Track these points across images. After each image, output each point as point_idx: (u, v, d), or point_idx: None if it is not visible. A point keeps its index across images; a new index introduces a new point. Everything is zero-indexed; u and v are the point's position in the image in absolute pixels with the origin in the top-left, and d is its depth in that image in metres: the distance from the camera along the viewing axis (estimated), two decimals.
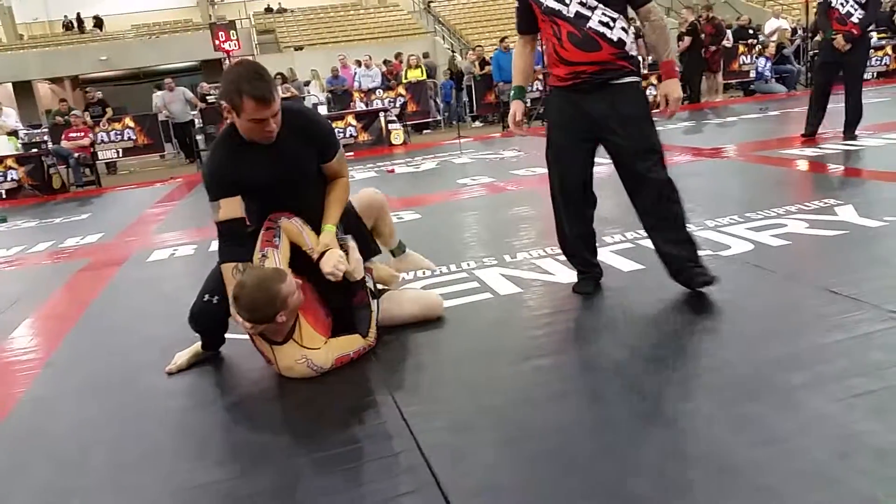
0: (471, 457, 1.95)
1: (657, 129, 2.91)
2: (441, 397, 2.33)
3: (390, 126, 12.13)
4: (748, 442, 1.85)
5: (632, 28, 2.88)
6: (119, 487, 2.02)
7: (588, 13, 2.79)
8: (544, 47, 2.91)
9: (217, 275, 2.66)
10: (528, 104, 3.16)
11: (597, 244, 3.28)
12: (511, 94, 3.18)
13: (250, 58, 19.44)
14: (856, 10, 6.29)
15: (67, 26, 25.16)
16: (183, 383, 2.72)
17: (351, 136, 11.88)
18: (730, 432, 1.91)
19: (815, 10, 8.22)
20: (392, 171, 8.63)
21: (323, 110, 12.51)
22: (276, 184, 2.60)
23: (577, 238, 3.20)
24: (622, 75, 2.83)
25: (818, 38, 12.64)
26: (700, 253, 3.00)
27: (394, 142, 11.94)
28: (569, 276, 3.47)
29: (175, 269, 4.79)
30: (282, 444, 2.17)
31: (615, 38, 2.79)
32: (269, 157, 2.55)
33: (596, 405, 2.17)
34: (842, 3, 6.31)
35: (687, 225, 2.97)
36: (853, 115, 6.68)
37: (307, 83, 14.37)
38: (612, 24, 2.79)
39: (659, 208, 2.93)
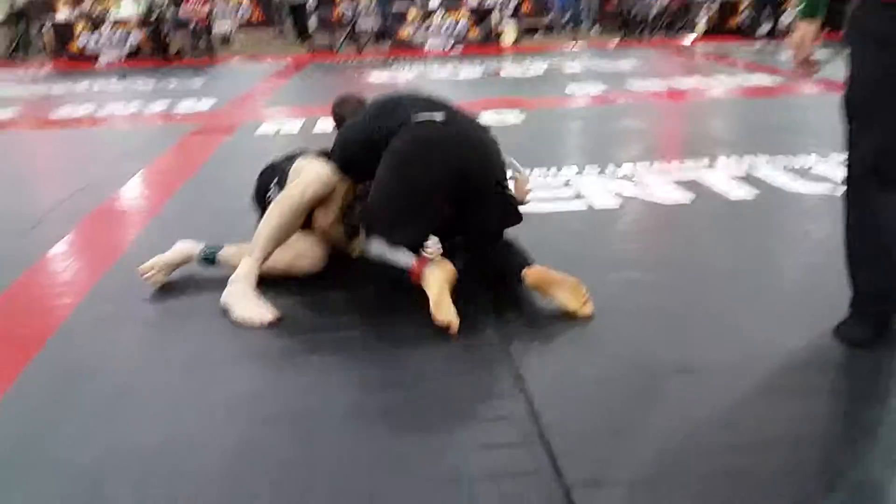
0: (551, 352, 2.00)
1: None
2: (523, 296, 2.33)
3: (502, 25, 11.75)
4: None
5: None
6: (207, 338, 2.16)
7: None
8: None
9: None
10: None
11: None
12: (799, 9, 2.00)
13: None
14: None
15: None
16: None
17: (462, 31, 11.59)
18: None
19: None
20: (499, 72, 8.43)
21: (435, 2, 12.21)
22: None
23: (864, 257, 1.95)
24: None
25: None
26: None
27: (504, 42, 11.59)
28: (672, 195, 3.35)
29: (279, 145, 4.90)
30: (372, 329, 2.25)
31: None
32: None
33: (676, 322, 2.15)
34: None
35: None
36: None
37: None
38: None
39: None
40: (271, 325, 2.16)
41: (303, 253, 2.42)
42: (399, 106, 2.37)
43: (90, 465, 1.54)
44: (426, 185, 2.21)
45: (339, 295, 2.38)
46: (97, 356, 2.02)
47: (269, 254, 2.33)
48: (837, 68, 2.00)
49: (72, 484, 1.49)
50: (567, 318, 2.15)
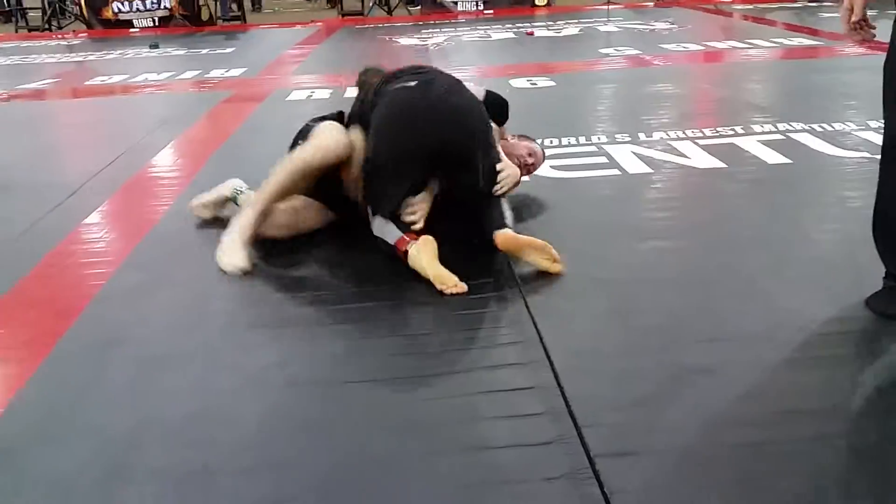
0: (576, 321, 1.99)
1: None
2: None
3: None
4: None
5: None
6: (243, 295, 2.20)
7: None
8: None
9: None
10: None
11: None
12: None
13: None
14: None
15: None
16: None
17: None
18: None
19: None
20: (531, 33, 8.29)
21: None
22: None
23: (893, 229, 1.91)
24: None
25: None
26: None
27: (537, 2, 11.38)
28: (705, 160, 3.29)
29: (310, 111, 4.90)
30: (399, 293, 2.26)
31: None
32: None
33: (704, 291, 2.12)
34: None
35: None
36: None
37: None
38: None
39: None
40: (245, 274, 2.26)
41: (272, 223, 2.47)
42: (387, 81, 2.46)
43: (125, 431, 1.59)
44: (397, 153, 2.31)
45: (366, 262, 2.40)
46: (132, 324, 2.07)
47: (269, 208, 2.43)
48: (883, 29, 1.92)
49: (107, 450, 1.53)
50: (594, 287, 2.14)
